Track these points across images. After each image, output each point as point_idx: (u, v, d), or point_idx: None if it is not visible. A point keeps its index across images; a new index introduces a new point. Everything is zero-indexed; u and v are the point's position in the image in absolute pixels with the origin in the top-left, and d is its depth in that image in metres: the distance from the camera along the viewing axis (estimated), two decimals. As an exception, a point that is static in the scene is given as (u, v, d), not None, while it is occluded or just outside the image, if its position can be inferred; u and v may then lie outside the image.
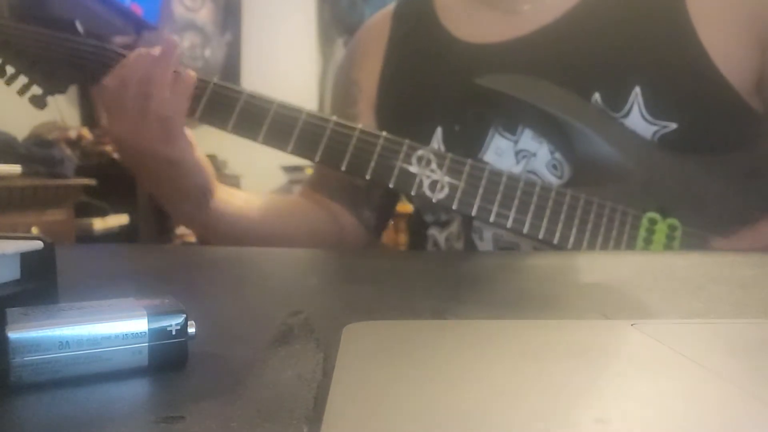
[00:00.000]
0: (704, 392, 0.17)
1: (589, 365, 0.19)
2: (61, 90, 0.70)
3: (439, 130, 0.73)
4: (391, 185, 0.65)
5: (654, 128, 0.65)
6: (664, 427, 0.15)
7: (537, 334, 0.23)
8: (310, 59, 3.18)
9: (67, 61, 0.67)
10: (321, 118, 0.66)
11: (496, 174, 0.64)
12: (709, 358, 0.20)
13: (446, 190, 0.64)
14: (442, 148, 0.73)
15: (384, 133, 0.65)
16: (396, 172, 0.65)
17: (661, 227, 0.62)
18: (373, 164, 0.65)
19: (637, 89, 0.65)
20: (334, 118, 0.66)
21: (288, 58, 3.09)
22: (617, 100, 0.65)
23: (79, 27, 0.67)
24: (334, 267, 0.51)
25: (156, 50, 0.63)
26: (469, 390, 0.17)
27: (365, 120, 0.82)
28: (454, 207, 0.64)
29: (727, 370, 0.19)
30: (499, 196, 0.64)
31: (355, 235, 0.79)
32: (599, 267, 0.46)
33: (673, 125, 0.64)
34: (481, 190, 0.64)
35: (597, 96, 0.66)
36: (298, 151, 0.65)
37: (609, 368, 0.19)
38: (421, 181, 0.64)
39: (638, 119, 0.65)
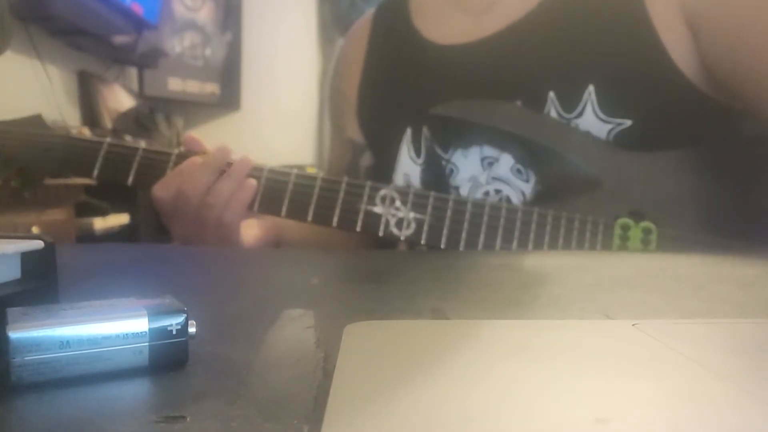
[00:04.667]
0: (705, 392, 0.17)
1: (591, 365, 0.19)
2: (36, 183, 0.73)
3: (408, 132, 0.75)
4: (358, 230, 0.65)
5: (608, 126, 0.65)
6: (665, 427, 0.15)
7: (538, 334, 0.23)
8: (310, 59, 3.18)
9: (39, 155, 0.69)
10: (282, 173, 0.66)
11: (460, 203, 0.64)
12: (710, 358, 0.20)
13: (413, 226, 0.65)
14: (411, 149, 0.75)
15: (345, 179, 0.66)
16: (362, 215, 0.65)
17: (635, 232, 0.62)
18: (338, 211, 0.65)
19: (591, 88, 0.65)
20: (295, 171, 0.66)
21: (288, 58, 3.09)
22: (571, 100, 0.65)
23: (46, 120, 0.71)
24: (335, 267, 0.51)
25: (216, 160, 0.64)
26: (470, 390, 0.17)
27: (351, 127, 0.83)
28: (422, 242, 0.65)
29: (728, 370, 0.19)
30: (466, 224, 0.64)
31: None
32: (600, 267, 0.46)
33: (628, 122, 0.64)
34: (447, 221, 0.64)
35: (552, 95, 0.66)
36: (263, 209, 0.66)
37: (610, 368, 0.19)
38: (387, 221, 0.65)
39: (592, 118, 0.65)
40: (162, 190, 0.64)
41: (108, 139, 0.68)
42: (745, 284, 0.36)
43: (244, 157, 0.66)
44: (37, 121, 0.70)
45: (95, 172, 0.67)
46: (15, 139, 0.68)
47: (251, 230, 0.71)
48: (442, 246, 0.64)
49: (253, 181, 0.65)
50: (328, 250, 0.72)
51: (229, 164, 0.65)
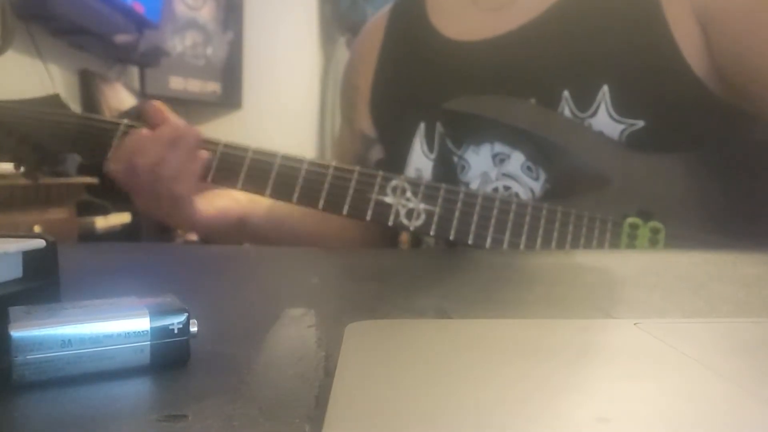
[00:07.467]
0: (706, 392, 0.17)
1: (592, 364, 0.19)
2: (50, 164, 0.72)
3: (422, 126, 0.75)
4: (368, 218, 0.65)
5: (621, 127, 0.65)
6: (666, 426, 0.15)
7: (540, 333, 0.23)
8: (311, 57, 3.18)
9: (54, 133, 0.69)
10: (296, 160, 0.66)
11: (471, 196, 0.65)
12: (712, 357, 0.20)
13: (423, 217, 0.65)
14: (424, 144, 0.74)
15: (357, 168, 0.66)
16: (372, 204, 0.65)
17: (644, 231, 0.62)
18: (349, 199, 0.65)
19: (605, 88, 0.65)
20: (308, 158, 0.67)
21: (289, 57, 3.09)
22: (585, 99, 0.65)
23: (64, 100, 0.71)
24: (336, 265, 0.51)
25: (165, 132, 0.65)
26: (471, 389, 0.17)
27: (362, 120, 0.83)
28: (431, 233, 0.65)
29: (730, 369, 0.19)
30: (475, 218, 0.64)
31: (373, 230, 0.80)
32: (602, 266, 0.46)
33: (641, 123, 0.64)
34: (457, 213, 0.64)
35: (566, 94, 0.66)
36: (275, 195, 0.66)
37: (611, 367, 0.19)
38: (397, 211, 0.65)
39: (605, 118, 0.65)
40: (114, 163, 0.65)
41: (125, 121, 0.68)
42: (746, 284, 0.36)
43: (193, 128, 0.66)
44: (55, 100, 0.70)
45: (111, 152, 0.67)
46: (31, 117, 0.69)
47: (214, 202, 0.70)
48: (451, 238, 0.64)
49: (204, 153, 0.65)
50: (323, 246, 0.72)
51: (179, 136, 0.65)
